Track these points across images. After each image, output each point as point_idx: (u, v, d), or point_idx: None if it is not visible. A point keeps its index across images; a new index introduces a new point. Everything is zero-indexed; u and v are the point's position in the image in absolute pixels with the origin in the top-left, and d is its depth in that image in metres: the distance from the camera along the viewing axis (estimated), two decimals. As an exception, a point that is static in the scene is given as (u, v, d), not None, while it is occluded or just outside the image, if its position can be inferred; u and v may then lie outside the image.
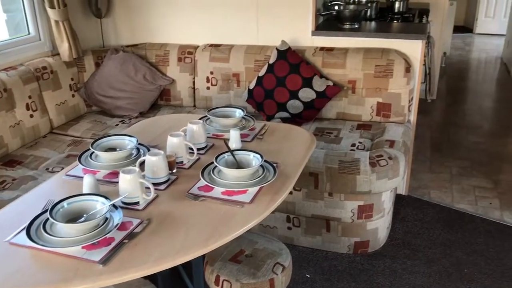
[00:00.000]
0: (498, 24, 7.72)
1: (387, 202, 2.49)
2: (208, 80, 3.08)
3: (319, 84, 2.77)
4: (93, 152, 1.87)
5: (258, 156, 1.76)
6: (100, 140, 1.91)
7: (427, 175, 3.38)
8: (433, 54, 3.46)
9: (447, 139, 4.00)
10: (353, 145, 2.58)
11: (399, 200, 3.04)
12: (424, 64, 3.43)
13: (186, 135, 1.98)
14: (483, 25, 7.84)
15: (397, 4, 3.46)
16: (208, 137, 2.08)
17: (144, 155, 1.81)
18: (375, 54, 2.77)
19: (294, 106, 2.80)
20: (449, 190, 3.19)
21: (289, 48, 2.84)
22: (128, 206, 1.56)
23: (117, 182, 1.61)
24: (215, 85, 3.07)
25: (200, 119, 2.24)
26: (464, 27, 8.18)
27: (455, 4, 6.06)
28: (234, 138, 1.98)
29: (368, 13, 3.25)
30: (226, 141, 1.97)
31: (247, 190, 1.64)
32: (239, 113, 2.21)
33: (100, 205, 1.45)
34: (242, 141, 2.02)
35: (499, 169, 3.48)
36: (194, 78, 3.12)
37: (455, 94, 5.18)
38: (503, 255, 2.53)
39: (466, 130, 4.19)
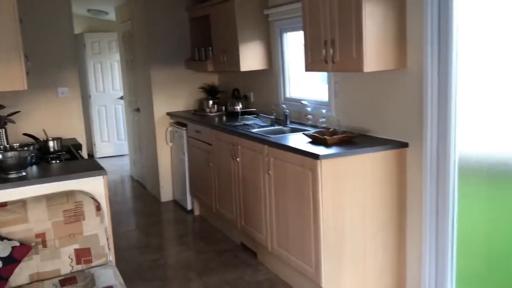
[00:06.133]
0: (114, 146, 8.40)
1: None
2: None
3: (2, 249, 2.29)
4: None
5: None
6: None
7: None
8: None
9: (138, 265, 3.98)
10: (69, 306, 2.22)
11: None
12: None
13: None
14: (102, 149, 8.34)
15: (51, 144, 3.30)
16: None
17: None
18: (60, 199, 2.54)
19: (-25, 284, 2.21)
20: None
21: (-50, 215, 2.25)
22: None
23: None
24: None
25: None
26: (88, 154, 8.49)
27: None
28: None
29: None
30: None
31: None
32: None
33: None
34: None
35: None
36: None
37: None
38: None
39: (138, 250, 4.28)
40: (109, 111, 8.33)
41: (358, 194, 3.02)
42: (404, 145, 3.10)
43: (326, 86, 3.86)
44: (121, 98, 7.67)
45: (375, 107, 3.33)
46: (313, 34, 3.30)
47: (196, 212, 5.17)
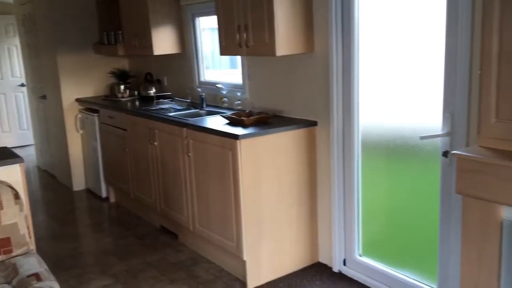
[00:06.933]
0: (16, 136, 7.93)
1: None
2: None
3: None
4: None
5: None
6: None
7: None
8: None
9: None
10: (-7, 296, 2.18)
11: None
12: None
13: None
14: (2, 140, 7.81)
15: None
16: None
17: None
18: (-26, 189, 2.44)
19: None
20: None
21: None
22: None
23: None
24: None
25: None
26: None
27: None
28: None
29: None
30: None
31: None
32: None
33: None
34: None
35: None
36: None
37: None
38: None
39: (55, 239, 4.18)
40: (9, 99, 7.83)
41: (274, 171, 3.22)
42: (313, 123, 3.35)
43: (240, 70, 4.00)
44: (23, 85, 7.26)
45: (286, 89, 3.54)
46: (227, 19, 3.42)
47: (112, 199, 5.11)
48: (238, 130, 3.14)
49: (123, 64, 5.59)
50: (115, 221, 4.67)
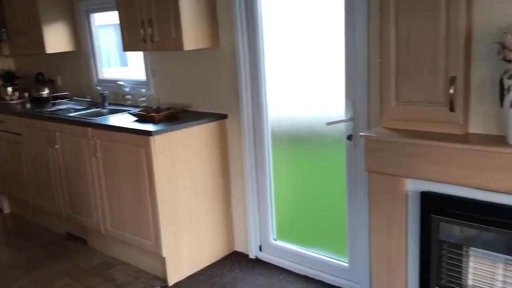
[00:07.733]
0: None
1: None
2: None
3: None
4: None
5: None
6: None
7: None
8: None
9: None
10: None
11: None
12: None
13: None
14: None
15: None
16: None
17: None
18: None
19: None
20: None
21: None
22: None
23: None
24: None
25: None
26: None
27: None
28: None
29: None
30: None
31: None
32: None
33: None
34: None
35: None
36: None
37: None
38: None
39: None
40: None
41: (188, 165, 3.24)
42: (224, 116, 3.41)
43: (143, 66, 3.93)
44: None
45: (194, 84, 3.56)
46: (129, 15, 3.35)
47: (6, 210, 4.73)
48: (149, 127, 3.11)
49: (8, 64, 5.17)
50: (13, 233, 4.34)
